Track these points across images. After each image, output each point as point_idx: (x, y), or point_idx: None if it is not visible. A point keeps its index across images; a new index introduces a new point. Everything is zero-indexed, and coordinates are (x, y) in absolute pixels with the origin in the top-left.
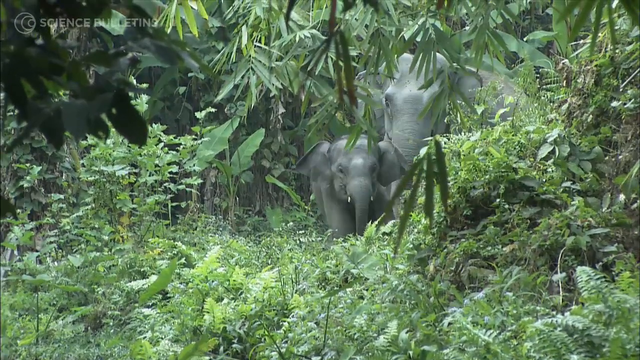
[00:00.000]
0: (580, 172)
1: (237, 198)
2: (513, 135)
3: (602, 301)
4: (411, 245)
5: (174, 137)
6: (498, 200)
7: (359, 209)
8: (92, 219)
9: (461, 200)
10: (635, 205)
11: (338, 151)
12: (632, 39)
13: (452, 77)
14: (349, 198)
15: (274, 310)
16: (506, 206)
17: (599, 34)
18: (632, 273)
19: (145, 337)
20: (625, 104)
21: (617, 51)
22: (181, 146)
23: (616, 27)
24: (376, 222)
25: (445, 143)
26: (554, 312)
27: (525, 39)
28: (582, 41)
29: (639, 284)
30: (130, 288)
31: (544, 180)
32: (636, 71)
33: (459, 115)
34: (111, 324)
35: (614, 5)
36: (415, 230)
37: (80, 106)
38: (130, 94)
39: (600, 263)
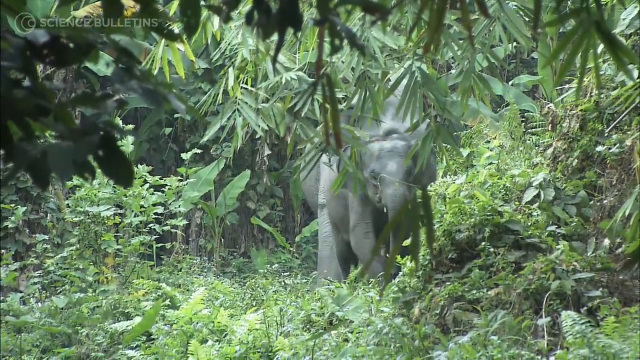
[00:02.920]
0: (565, 216)
1: (222, 239)
2: (498, 179)
3: (586, 346)
4: (396, 288)
5: (160, 178)
6: (483, 243)
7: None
8: (77, 259)
9: (446, 243)
10: (620, 249)
11: (371, 155)
12: (617, 84)
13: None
14: (384, 208)
15: (258, 352)
16: (491, 249)
17: (584, 79)
18: (617, 318)
19: None
20: (610, 148)
21: (602, 96)
22: (167, 187)
23: (601, 72)
24: (361, 267)
25: (430, 186)
26: (539, 357)
27: (510, 83)
28: (567, 85)
29: (624, 329)
30: (114, 329)
31: (529, 224)
32: (621, 116)
33: (444, 158)
34: None
35: (599, 50)
36: (401, 273)
37: (66, 148)
38: (117, 135)
39: (585, 307)
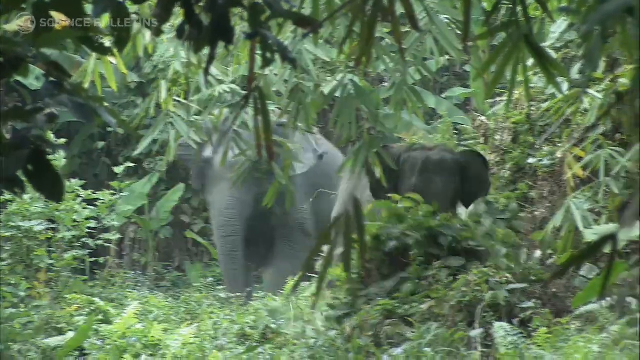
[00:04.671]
0: (494, 229)
1: (157, 253)
2: None
3: (519, 357)
4: (328, 303)
5: (93, 192)
6: (412, 253)
7: None
8: (9, 275)
9: (378, 254)
10: (551, 260)
11: (412, 165)
12: (547, 96)
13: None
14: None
15: None
16: (422, 259)
17: (516, 92)
18: (549, 329)
19: None
20: (541, 160)
21: (533, 108)
22: (100, 201)
23: (532, 85)
24: (295, 280)
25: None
26: None
27: (444, 96)
28: (499, 98)
29: (556, 339)
30: (46, 345)
31: (463, 231)
32: (552, 129)
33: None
34: None
35: (529, 63)
36: (332, 286)
37: None
38: (48, 149)
39: (518, 319)
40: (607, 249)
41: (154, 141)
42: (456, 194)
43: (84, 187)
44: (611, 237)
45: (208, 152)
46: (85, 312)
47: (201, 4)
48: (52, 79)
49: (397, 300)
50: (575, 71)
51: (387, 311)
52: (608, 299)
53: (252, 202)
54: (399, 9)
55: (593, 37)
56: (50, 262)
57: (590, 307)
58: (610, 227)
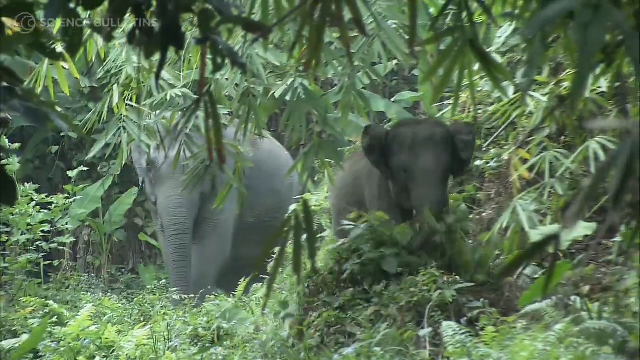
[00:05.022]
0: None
1: (110, 256)
2: None
3: (466, 355)
4: (279, 304)
5: (46, 196)
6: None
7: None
8: None
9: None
10: (498, 261)
11: (401, 142)
12: (493, 99)
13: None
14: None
15: None
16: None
17: (462, 95)
18: (496, 327)
19: None
20: (488, 163)
21: (479, 112)
22: (53, 205)
23: (478, 89)
24: (246, 281)
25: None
26: None
27: (393, 99)
28: (446, 102)
29: (502, 338)
30: (1, 347)
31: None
32: (498, 131)
33: (326, 170)
34: None
35: (475, 68)
36: (284, 287)
37: None
38: (1, 154)
39: (466, 318)
40: (550, 249)
41: (107, 145)
42: (448, 167)
43: (38, 191)
44: (554, 238)
45: (153, 153)
46: (39, 315)
47: (152, 10)
48: (4, 84)
49: (339, 310)
50: (520, 75)
51: (336, 317)
52: (553, 298)
53: (198, 201)
54: (347, 14)
55: (534, 42)
56: (5, 265)
57: (535, 306)
58: (554, 227)
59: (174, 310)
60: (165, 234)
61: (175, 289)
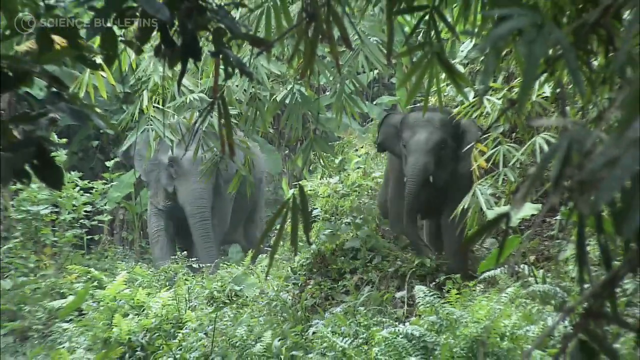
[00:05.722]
0: None
1: (141, 232)
2: (364, 180)
3: (434, 313)
4: (289, 269)
5: (88, 182)
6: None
7: (408, 192)
8: (20, 250)
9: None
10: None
11: (406, 124)
12: (457, 102)
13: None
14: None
15: (170, 323)
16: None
17: (431, 99)
18: (459, 291)
19: (64, 347)
20: None
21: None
22: (94, 189)
23: (445, 94)
24: (251, 254)
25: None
26: (397, 323)
27: (374, 102)
28: (418, 104)
29: (464, 299)
30: (51, 307)
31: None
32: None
33: (320, 162)
34: (35, 336)
35: (442, 76)
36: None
37: (7, 158)
38: (51, 147)
39: (434, 283)
40: (503, 226)
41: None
42: (441, 146)
43: (81, 178)
44: (506, 216)
45: (176, 151)
46: (82, 280)
47: (174, 28)
48: (53, 90)
49: (330, 280)
50: (478, 82)
51: (328, 286)
52: (505, 266)
53: (211, 193)
54: (336, 32)
55: (490, 55)
56: (54, 239)
57: (491, 273)
58: (506, 207)
59: (193, 277)
60: (190, 220)
61: (208, 264)
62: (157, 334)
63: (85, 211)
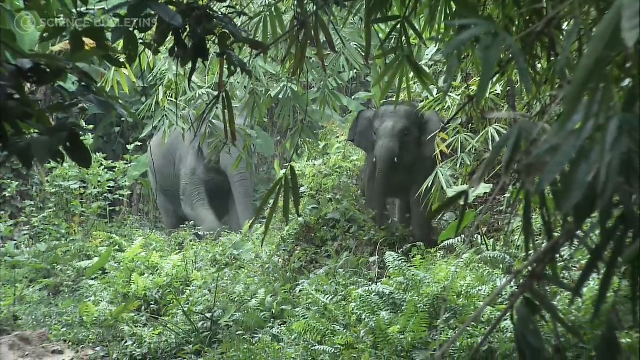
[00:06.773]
0: None
1: (155, 204)
2: (344, 162)
3: (402, 275)
4: (280, 237)
5: (111, 162)
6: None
7: (378, 171)
8: (54, 218)
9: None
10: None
11: (377, 116)
12: (423, 98)
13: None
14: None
15: (180, 281)
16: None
17: (402, 95)
18: (423, 256)
19: (90, 300)
20: None
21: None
22: (116, 168)
23: (413, 91)
24: (250, 222)
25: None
26: (371, 283)
27: (353, 97)
28: (390, 99)
29: (427, 263)
30: (79, 266)
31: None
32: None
33: (306, 147)
34: (66, 291)
35: (410, 75)
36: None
37: (44, 141)
38: (80, 132)
39: (402, 250)
40: (461, 202)
41: (154, 128)
42: (406, 132)
43: (105, 158)
44: (464, 194)
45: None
46: (106, 244)
47: (186, 33)
48: (83, 84)
49: (314, 246)
50: (441, 81)
51: (313, 251)
52: (462, 236)
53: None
54: (322, 37)
55: (451, 58)
56: (82, 210)
57: (450, 242)
58: (464, 187)
59: (199, 242)
60: (232, 180)
61: (246, 220)
62: (168, 291)
63: (109, 186)
